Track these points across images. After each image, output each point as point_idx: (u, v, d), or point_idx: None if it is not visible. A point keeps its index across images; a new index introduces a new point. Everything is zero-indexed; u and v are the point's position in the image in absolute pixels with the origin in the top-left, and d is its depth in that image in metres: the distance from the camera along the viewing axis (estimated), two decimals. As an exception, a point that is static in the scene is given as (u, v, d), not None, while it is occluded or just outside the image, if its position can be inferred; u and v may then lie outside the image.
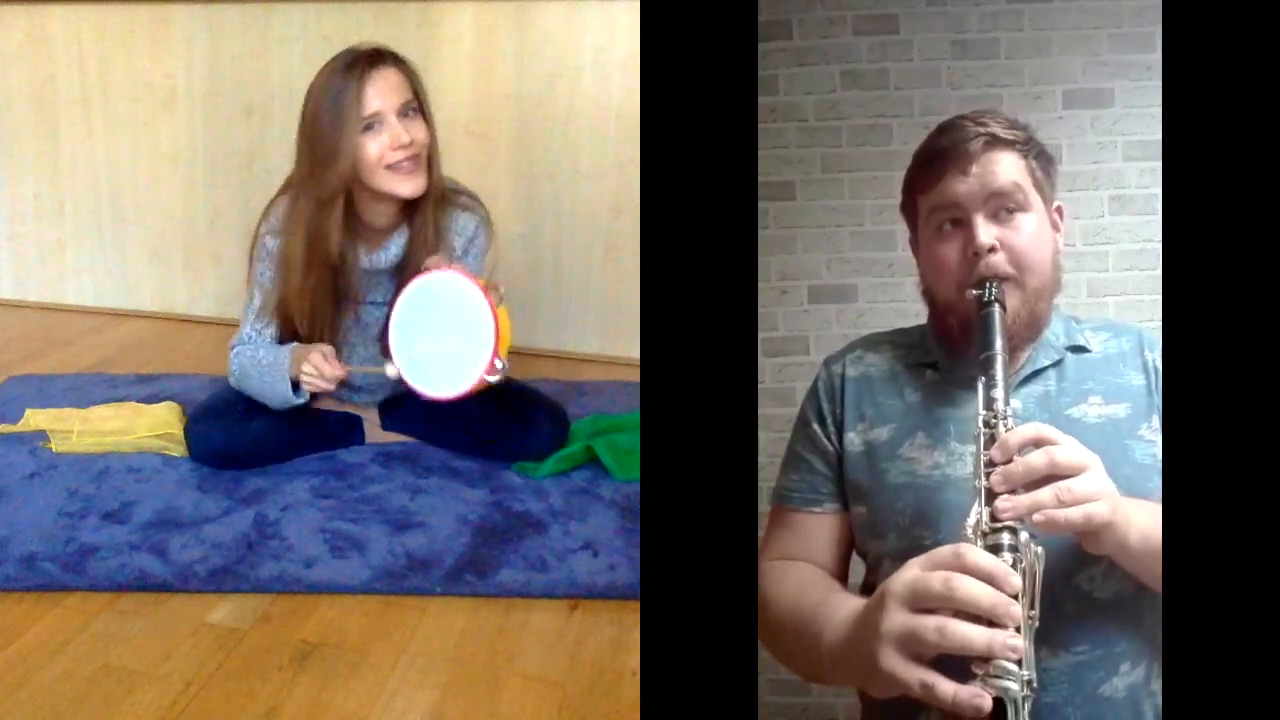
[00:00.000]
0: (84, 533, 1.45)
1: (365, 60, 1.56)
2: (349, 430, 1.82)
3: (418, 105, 1.61)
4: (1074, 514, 0.71)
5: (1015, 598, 0.67)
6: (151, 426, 1.78)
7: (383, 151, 1.56)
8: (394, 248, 1.69)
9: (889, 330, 1.04)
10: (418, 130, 1.59)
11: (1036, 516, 0.71)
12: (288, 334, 1.70)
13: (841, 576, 0.96)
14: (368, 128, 1.56)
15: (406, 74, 1.61)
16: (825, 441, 0.98)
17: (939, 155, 0.92)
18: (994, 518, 0.72)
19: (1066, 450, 0.73)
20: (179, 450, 1.74)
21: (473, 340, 1.49)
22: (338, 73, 1.57)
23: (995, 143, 0.91)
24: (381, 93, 1.56)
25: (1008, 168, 0.91)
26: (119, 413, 1.86)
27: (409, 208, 1.67)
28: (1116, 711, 0.82)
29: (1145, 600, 0.84)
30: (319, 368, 1.58)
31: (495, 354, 1.48)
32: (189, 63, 2.55)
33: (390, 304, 1.58)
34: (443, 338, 1.52)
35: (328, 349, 1.61)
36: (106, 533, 1.46)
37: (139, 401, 1.94)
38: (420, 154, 1.60)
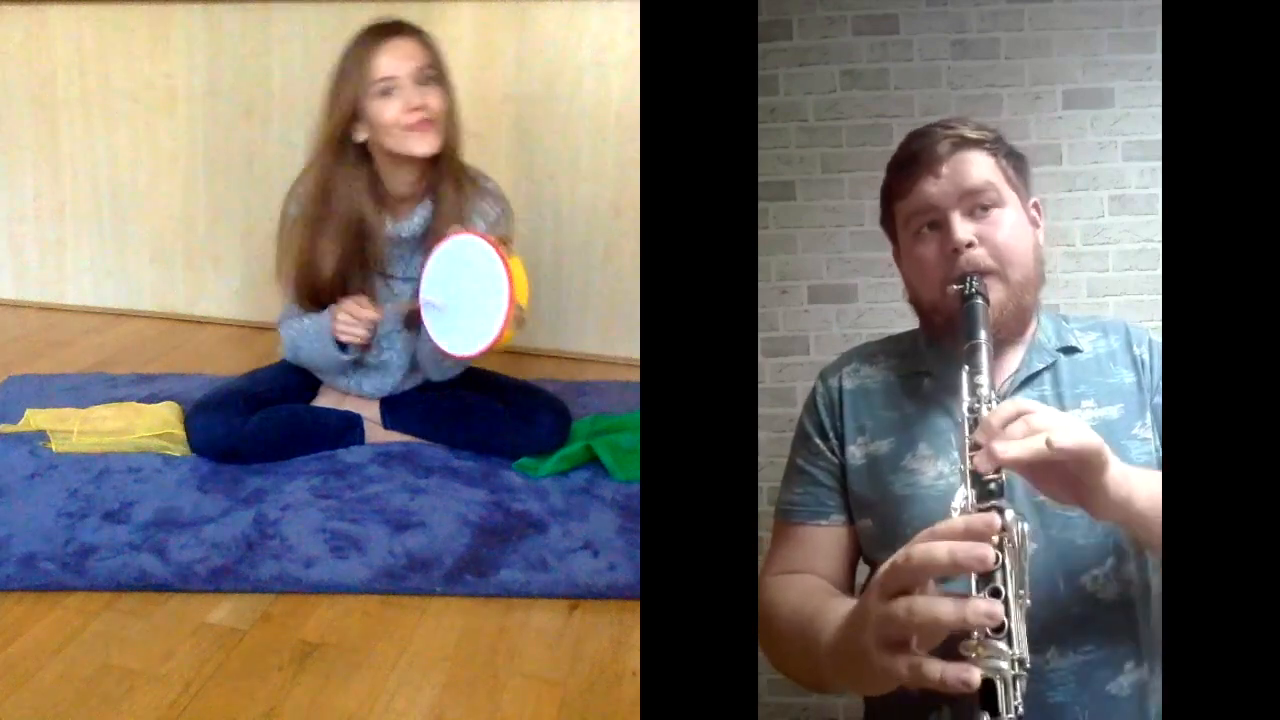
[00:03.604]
0: (84, 533, 1.45)
1: (383, 30, 1.63)
2: (349, 430, 1.82)
3: (434, 73, 1.65)
4: (1066, 438, 0.68)
5: (999, 543, 0.65)
6: (151, 426, 1.78)
7: (398, 115, 1.61)
8: (417, 218, 1.73)
9: (880, 340, 1.04)
10: (433, 96, 1.64)
11: (1034, 441, 0.69)
12: (316, 304, 1.73)
13: (847, 588, 0.96)
14: (384, 92, 1.61)
15: (424, 43, 1.66)
16: (828, 454, 0.98)
17: (910, 161, 0.93)
18: (980, 498, 0.71)
19: (1042, 414, 0.72)
20: (179, 450, 1.74)
21: (490, 292, 1.51)
22: (357, 42, 1.64)
23: (964, 143, 0.92)
24: (396, 59, 1.62)
25: (979, 166, 0.92)
26: (119, 413, 1.85)
27: (429, 178, 1.72)
28: (1123, 708, 0.83)
29: (1146, 600, 0.86)
30: (353, 312, 1.64)
31: (512, 302, 1.50)
32: (189, 63, 2.55)
33: (418, 279, 1.63)
34: (465, 295, 1.56)
35: (361, 297, 1.67)
36: (106, 533, 1.46)
37: (139, 401, 1.94)
38: (436, 119, 1.64)
